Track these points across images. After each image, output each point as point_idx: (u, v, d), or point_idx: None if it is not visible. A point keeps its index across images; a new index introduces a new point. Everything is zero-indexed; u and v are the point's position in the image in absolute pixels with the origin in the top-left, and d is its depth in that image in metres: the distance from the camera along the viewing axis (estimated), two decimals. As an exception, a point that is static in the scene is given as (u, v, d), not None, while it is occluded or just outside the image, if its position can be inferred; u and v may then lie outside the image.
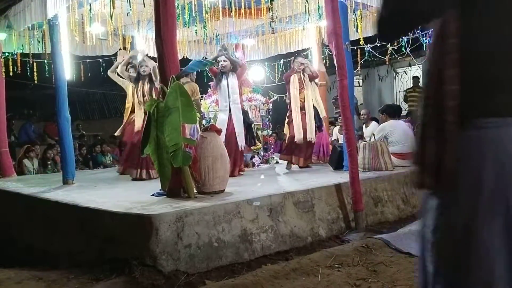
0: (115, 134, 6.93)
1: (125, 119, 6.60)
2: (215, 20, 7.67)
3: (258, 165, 7.22)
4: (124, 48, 8.63)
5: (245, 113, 6.26)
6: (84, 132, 13.15)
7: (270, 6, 6.99)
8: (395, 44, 8.09)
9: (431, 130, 1.25)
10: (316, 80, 6.98)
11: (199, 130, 5.64)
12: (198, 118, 4.77)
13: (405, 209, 5.32)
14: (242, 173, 6.26)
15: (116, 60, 7.89)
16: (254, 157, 7.36)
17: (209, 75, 6.96)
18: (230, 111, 6.01)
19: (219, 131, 4.71)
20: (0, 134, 7.19)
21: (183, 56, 8.89)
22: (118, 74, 6.66)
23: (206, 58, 7.86)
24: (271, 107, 7.82)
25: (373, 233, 4.43)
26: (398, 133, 6.15)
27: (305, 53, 9.36)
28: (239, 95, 6.13)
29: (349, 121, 4.83)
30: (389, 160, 5.73)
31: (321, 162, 7.07)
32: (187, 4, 6.34)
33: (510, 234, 1.28)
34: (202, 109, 7.01)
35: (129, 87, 6.59)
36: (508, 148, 1.19)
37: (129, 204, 4.00)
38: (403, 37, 8.07)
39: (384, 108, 6.83)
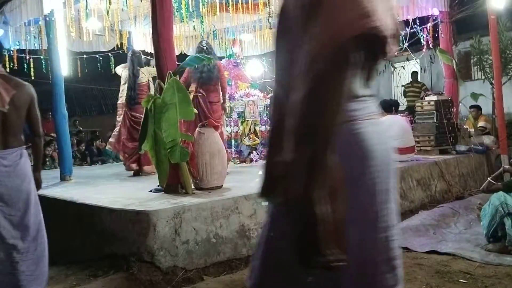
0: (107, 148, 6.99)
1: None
2: (212, 15, 7.64)
3: (256, 161, 7.22)
4: (121, 44, 8.60)
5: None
6: (81, 128, 13.13)
7: (267, 1, 6.98)
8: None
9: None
10: None
11: None
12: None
13: (403, 204, 5.33)
14: None
15: (112, 56, 7.87)
16: (252, 152, 7.36)
17: None
18: None
19: (216, 127, 4.70)
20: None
21: (180, 52, 8.88)
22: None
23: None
24: (269, 103, 7.80)
25: (371, 228, 4.43)
26: (395, 128, 6.14)
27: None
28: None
29: (346, 116, 4.82)
30: (387, 155, 5.72)
31: None
32: (184, -1, 6.33)
33: None
34: None
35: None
36: None
37: (126, 200, 4.00)
38: (401, 32, 8.07)
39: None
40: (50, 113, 10.21)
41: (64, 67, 6.08)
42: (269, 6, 7.09)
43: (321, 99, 1.06)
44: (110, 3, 5.98)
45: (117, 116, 6.49)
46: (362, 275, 1.19)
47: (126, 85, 6.23)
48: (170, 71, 4.21)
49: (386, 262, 1.21)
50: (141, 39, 8.80)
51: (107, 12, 6.21)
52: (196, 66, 5.62)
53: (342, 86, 1.07)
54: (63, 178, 5.90)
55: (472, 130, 7.66)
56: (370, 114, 1.21)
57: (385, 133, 1.24)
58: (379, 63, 1.24)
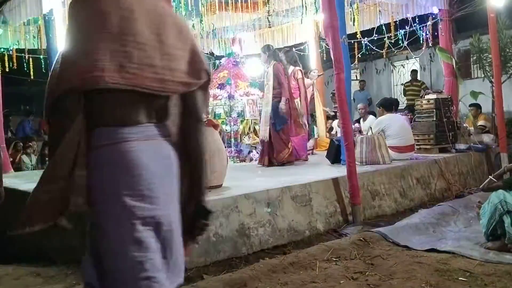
0: None
1: None
2: (212, 14, 7.65)
3: (256, 159, 7.21)
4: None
5: None
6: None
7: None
8: (392, 37, 8.07)
9: None
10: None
11: None
12: None
13: (402, 202, 5.33)
14: None
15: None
16: (252, 151, 7.36)
17: None
18: None
19: (216, 126, 4.70)
20: (-4, 130, 7.18)
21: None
22: None
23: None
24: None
25: (371, 227, 4.44)
26: (395, 126, 6.15)
27: (302, 47, 9.37)
28: None
29: (346, 115, 4.83)
30: (387, 153, 5.73)
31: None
32: (183, -2, 6.32)
33: None
34: None
35: None
36: None
37: (126, 200, 3.99)
38: (400, 30, 8.07)
39: (381, 101, 6.84)
40: (50, 113, 10.19)
41: (63, 67, 6.07)
42: (268, 4, 7.08)
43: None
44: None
45: None
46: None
47: None
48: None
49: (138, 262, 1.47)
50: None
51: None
52: None
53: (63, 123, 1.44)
54: (62, 177, 5.90)
55: (471, 128, 7.66)
56: (147, 137, 1.51)
57: (159, 152, 1.54)
58: (160, 102, 1.54)
